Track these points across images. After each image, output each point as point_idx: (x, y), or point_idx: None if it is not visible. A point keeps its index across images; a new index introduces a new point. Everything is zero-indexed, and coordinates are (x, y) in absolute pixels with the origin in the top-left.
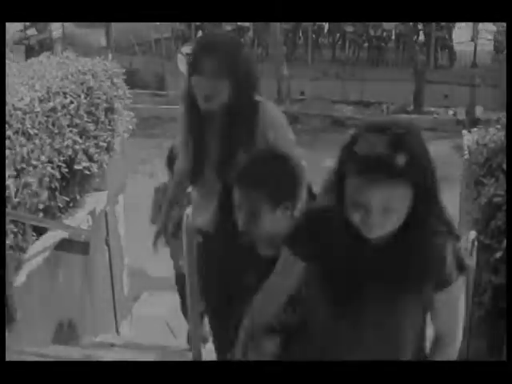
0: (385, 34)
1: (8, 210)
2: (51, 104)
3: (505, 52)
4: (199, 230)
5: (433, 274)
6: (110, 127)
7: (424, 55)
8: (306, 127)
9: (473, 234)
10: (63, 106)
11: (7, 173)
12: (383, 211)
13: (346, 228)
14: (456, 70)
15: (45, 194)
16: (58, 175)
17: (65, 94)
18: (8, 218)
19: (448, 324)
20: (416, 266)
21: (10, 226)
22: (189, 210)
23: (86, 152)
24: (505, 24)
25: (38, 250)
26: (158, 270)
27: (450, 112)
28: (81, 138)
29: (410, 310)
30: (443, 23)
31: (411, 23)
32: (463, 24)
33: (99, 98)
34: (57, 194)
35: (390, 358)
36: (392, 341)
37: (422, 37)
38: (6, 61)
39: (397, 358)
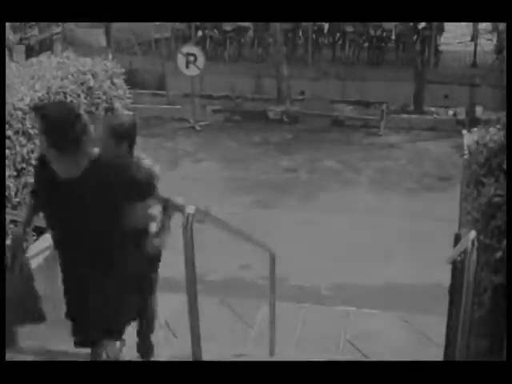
0: (385, 34)
1: (8, 209)
2: None
3: (505, 52)
4: None
5: None
6: None
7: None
8: (306, 127)
9: (473, 233)
10: None
11: (7, 173)
12: None
13: None
14: (456, 69)
15: None
16: None
17: (65, 94)
18: (8, 218)
19: None
20: None
21: (10, 226)
22: (190, 209)
23: None
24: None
25: (38, 250)
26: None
27: (450, 112)
28: None
29: None
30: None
31: (411, 23)
32: (463, 24)
33: (99, 98)
34: None
35: None
36: None
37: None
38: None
39: None
